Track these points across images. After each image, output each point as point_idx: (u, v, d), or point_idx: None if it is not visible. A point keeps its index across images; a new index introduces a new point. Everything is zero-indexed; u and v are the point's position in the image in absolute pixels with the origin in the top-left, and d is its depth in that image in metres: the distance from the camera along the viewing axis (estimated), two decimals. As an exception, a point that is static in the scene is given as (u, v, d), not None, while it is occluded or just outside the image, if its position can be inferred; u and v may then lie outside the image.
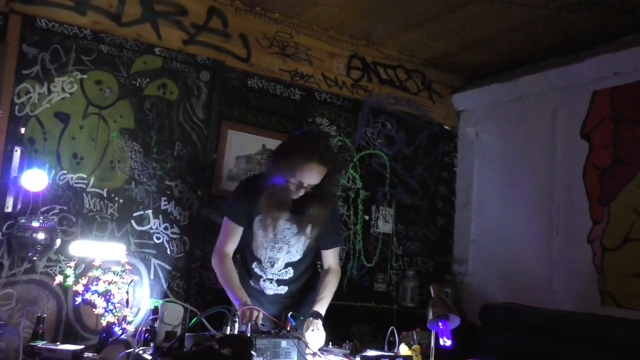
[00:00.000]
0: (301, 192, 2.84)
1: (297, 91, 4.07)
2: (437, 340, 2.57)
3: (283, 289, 3.06)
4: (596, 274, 3.68)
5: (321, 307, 2.89)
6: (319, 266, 3.17)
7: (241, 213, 2.96)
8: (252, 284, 3.07)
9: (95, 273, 2.61)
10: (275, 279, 3.04)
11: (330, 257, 3.09)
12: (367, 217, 4.26)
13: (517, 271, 4.14)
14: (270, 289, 3.04)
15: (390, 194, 4.39)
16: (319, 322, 2.77)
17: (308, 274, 3.13)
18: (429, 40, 4.19)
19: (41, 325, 2.71)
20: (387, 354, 2.59)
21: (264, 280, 3.04)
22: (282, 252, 3.00)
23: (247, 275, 3.08)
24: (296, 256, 3.03)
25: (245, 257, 3.10)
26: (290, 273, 3.05)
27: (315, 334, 2.71)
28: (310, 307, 2.91)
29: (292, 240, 3.00)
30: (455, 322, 2.56)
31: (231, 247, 2.97)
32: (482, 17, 3.73)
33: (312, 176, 2.79)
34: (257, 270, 3.03)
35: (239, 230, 2.97)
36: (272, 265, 3.02)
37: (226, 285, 2.87)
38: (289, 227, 2.98)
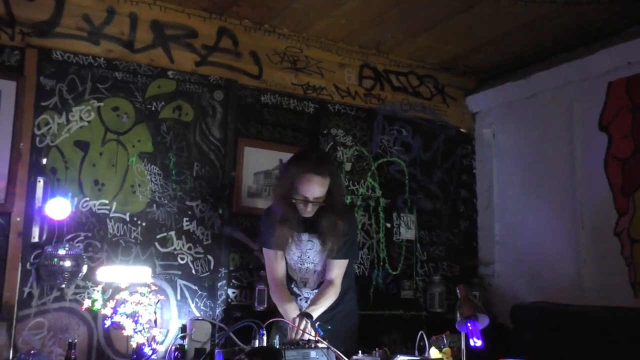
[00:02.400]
0: (309, 208, 2.88)
1: (311, 104, 4.10)
2: (467, 342, 2.54)
3: None
4: (626, 266, 3.62)
5: (312, 311, 2.82)
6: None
7: (272, 238, 3.00)
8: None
9: (122, 295, 2.63)
10: (311, 297, 3.07)
11: (335, 269, 3.00)
12: (388, 225, 4.25)
13: (545, 269, 4.09)
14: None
15: (411, 200, 4.37)
16: (307, 321, 2.70)
17: (341, 289, 3.09)
18: (439, 45, 4.19)
19: (73, 351, 2.72)
20: (417, 358, 2.57)
21: (301, 299, 3.09)
22: (309, 272, 3.05)
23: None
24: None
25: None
26: None
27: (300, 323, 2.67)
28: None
29: (317, 259, 3.03)
30: (484, 322, 2.53)
31: (280, 273, 3.02)
32: (490, 17, 3.73)
33: (312, 188, 2.83)
34: (295, 289, 3.10)
35: (280, 255, 3.02)
36: (305, 285, 3.08)
37: (282, 310, 2.91)
38: (311, 247, 3.02)
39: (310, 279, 3.06)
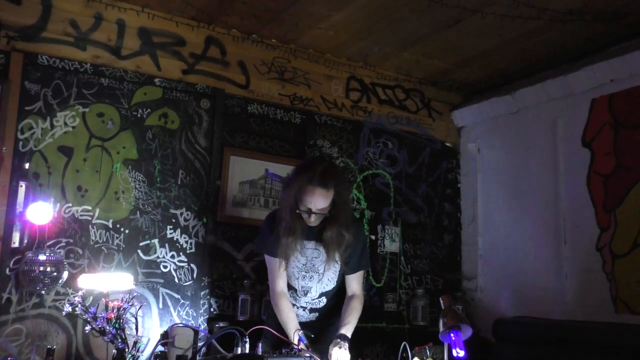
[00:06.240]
0: (313, 218, 2.85)
1: (297, 115, 4.10)
2: (450, 353, 2.53)
3: (314, 316, 3.06)
4: (607, 281, 3.65)
5: (347, 331, 2.86)
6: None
7: (275, 245, 2.95)
8: None
9: (104, 301, 2.60)
10: (308, 307, 3.04)
11: (354, 283, 3.04)
12: (373, 237, 4.25)
13: (527, 284, 4.11)
14: (303, 317, 3.03)
15: (396, 213, 4.38)
16: (345, 344, 2.74)
17: (338, 299, 3.09)
18: (425, 59, 4.23)
19: (51, 358, 2.69)
20: (400, 369, 2.56)
21: (297, 308, 3.02)
22: (313, 281, 2.99)
23: None
24: (330, 285, 3.02)
25: None
26: (323, 302, 3.04)
27: (341, 352, 2.68)
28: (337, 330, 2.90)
29: (322, 268, 2.98)
30: (467, 332, 2.53)
31: (282, 282, 2.97)
32: (476, 33, 3.77)
33: (316, 200, 2.79)
34: (290, 298, 3.02)
35: (282, 262, 2.96)
36: (306, 294, 3.01)
37: (284, 326, 2.87)
38: (317, 256, 2.98)
39: (313, 287, 3.00)
